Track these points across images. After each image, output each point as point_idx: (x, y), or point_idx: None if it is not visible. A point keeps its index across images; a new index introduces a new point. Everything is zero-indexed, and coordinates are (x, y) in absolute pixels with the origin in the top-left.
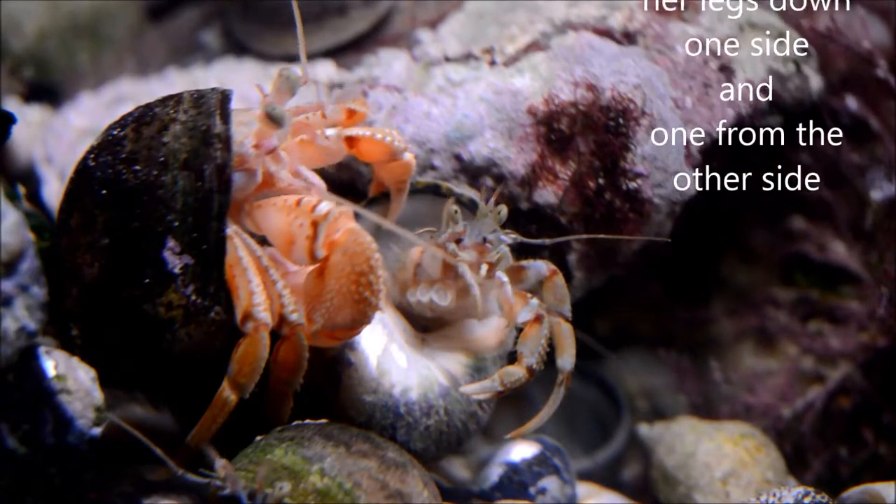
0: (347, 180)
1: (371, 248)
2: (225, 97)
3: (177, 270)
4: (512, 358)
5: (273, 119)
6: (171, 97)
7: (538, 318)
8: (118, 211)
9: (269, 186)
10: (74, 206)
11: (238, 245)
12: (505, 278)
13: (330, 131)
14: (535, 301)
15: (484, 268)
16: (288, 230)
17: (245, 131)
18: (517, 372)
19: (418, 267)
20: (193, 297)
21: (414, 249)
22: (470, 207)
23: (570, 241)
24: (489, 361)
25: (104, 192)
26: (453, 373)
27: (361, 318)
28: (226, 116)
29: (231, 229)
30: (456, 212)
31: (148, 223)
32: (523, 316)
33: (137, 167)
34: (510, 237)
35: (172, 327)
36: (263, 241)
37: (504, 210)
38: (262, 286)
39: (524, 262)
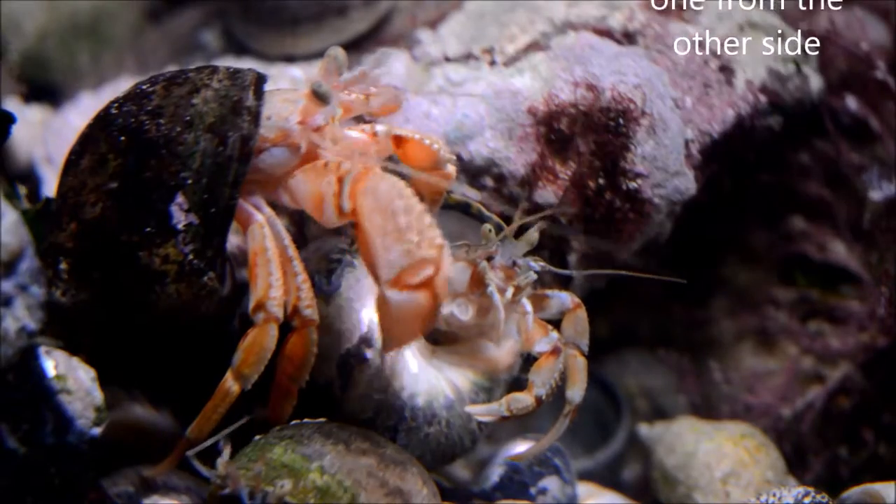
0: None
1: (398, 183)
2: (260, 78)
3: (180, 227)
4: (517, 383)
5: (319, 96)
6: (206, 66)
7: (555, 351)
8: (133, 158)
9: (312, 161)
10: (88, 147)
11: (266, 235)
12: (529, 308)
13: (379, 128)
14: (554, 334)
15: (510, 290)
16: (318, 191)
17: (290, 108)
18: (525, 399)
19: None
20: (191, 257)
21: None
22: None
23: (570, 239)
24: (496, 383)
25: (123, 138)
26: (460, 387)
27: (411, 255)
28: (259, 94)
29: (264, 215)
30: (491, 231)
31: (161, 175)
32: (541, 346)
33: (162, 121)
34: (538, 264)
35: (163, 280)
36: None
37: (536, 235)
38: (282, 280)
39: (548, 292)
